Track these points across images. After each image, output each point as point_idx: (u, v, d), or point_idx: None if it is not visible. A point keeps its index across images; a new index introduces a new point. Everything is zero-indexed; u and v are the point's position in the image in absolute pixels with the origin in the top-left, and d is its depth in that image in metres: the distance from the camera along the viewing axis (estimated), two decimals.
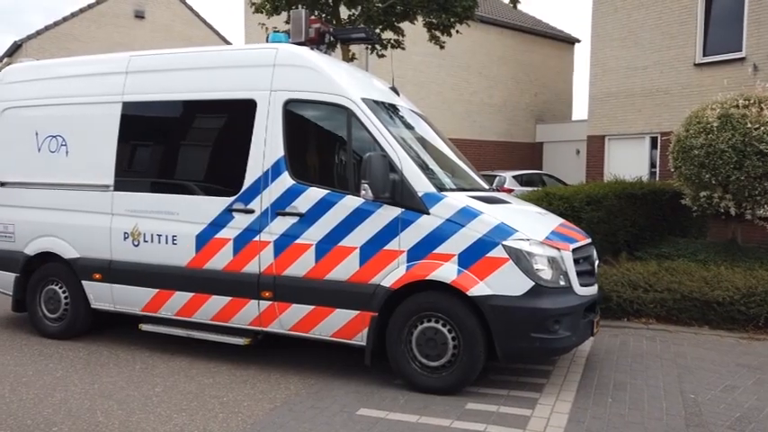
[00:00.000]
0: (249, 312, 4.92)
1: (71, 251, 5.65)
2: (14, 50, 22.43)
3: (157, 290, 5.24)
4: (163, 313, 5.29)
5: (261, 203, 4.82)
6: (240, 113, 5.01)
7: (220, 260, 4.97)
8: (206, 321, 5.12)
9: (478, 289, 4.20)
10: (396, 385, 4.58)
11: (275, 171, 4.80)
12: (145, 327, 5.45)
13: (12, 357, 5.26)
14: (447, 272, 4.29)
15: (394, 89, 5.67)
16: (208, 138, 5.57)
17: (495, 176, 14.89)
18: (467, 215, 4.32)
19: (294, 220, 4.71)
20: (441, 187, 4.58)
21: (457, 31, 11.51)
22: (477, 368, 4.33)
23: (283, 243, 4.74)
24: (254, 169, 4.86)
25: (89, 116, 5.66)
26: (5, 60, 22.08)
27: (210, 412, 4.14)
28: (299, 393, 4.51)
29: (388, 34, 11.18)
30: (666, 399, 4.39)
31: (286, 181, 4.76)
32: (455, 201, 4.42)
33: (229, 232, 4.93)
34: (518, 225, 4.36)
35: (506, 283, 4.18)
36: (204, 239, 5.02)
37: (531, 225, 4.58)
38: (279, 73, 4.91)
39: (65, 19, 22.48)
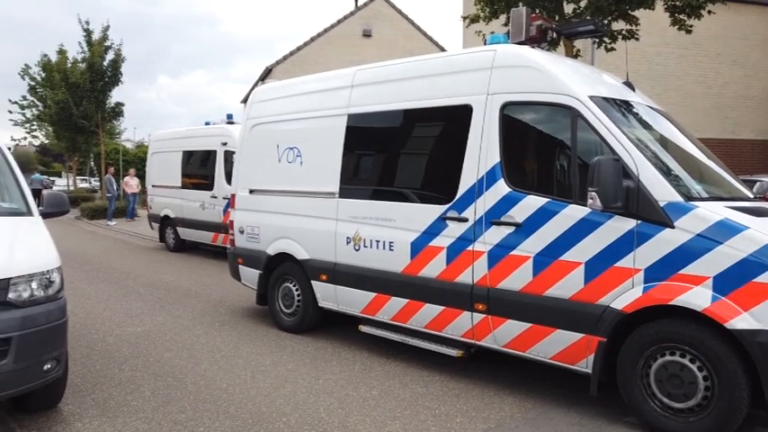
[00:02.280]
0: (462, 324, 4.77)
1: (303, 253, 6.16)
2: (266, 74, 25.99)
3: (375, 294, 5.40)
4: (380, 317, 5.44)
5: (475, 212, 4.64)
6: (456, 119, 4.89)
7: (434, 268, 4.91)
8: (419, 329, 5.12)
9: (742, 321, 3.41)
10: (627, 423, 3.99)
11: (490, 178, 4.57)
12: (364, 328, 5.67)
13: (254, 347, 5.90)
14: (697, 298, 3.58)
15: (628, 84, 5.02)
16: (423, 145, 5.57)
17: (756, 182, 12.48)
18: (726, 230, 3.56)
19: (510, 230, 4.42)
20: (688, 195, 3.86)
21: (709, 12, 9.95)
22: (737, 417, 3.52)
23: (498, 254, 4.49)
24: (469, 176, 4.70)
25: (319, 128, 6.11)
26: (259, 84, 25.64)
27: (423, 424, 4.07)
28: (513, 417, 4.20)
29: (617, 25, 10.16)
30: None
31: (502, 188, 4.50)
32: (709, 212, 3.67)
33: (443, 241, 4.84)
34: None
35: None
36: (419, 247, 5.02)
37: None
38: (496, 75, 4.67)
39: (305, 44, 25.39)
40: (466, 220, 4.68)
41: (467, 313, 4.71)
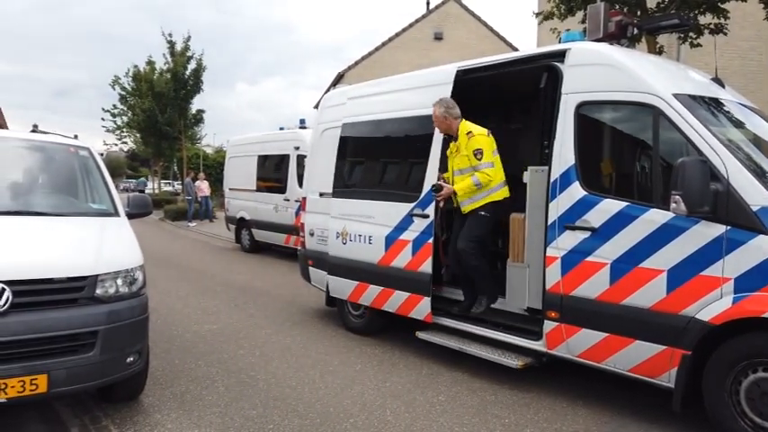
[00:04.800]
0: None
1: None
2: (338, 80, 26.43)
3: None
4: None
5: (548, 215, 4.48)
6: None
7: None
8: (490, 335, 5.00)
9: None
10: None
11: (564, 181, 4.39)
12: (421, 335, 5.61)
13: (323, 347, 5.98)
14: None
15: (718, 80, 4.69)
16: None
17: None
18: None
19: (585, 234, 4.23)
20: None
21: None
22: None
23: (572, 260, 4.30)
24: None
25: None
26: (331, 89, 26.12)
27: None
28: (588, 430, 4.01)
29: (704, 19, 9.55)
30: None
31: (576, 192, 4.31)
32: None
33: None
34: None
35: None
36: None
37: None
38: (570, 74, 4.50)
39: (376, 49, 25.60)
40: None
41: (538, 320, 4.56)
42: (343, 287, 6.38)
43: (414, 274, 5.47)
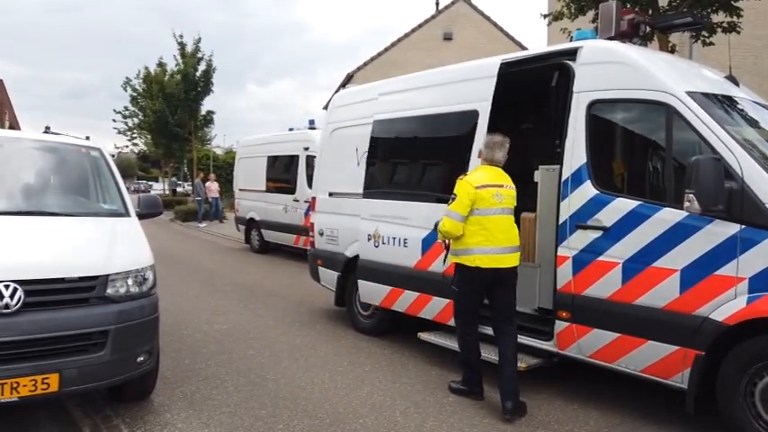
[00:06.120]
0: None
1: None
2: (347, 81, 26.45)
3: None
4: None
5: (559, 215, 4.44)
6: None
7: None
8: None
9: None
10: None
11: (576, 180, 4.35)
12: (423, 336, 5.58)
13: (332, 347, 5.97)
14: None
15: (731, 78, 4.63)
16: None
17: None
18: None
19: (597, 234, 4.19)
20: None
21: None
22: None
23: (584, 259, 4.26)
24: None
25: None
26: (340, 90, 26.17)
27: None
28: None
29: (716, 17, 9.45)
30: None
31: (588, 191, 4.27)
32: None
33: None
34: None
35: None
36: None
37: None
38: (582, 72, 4.46)
39: (386, 49, 25.58)
40: None
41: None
42: (374, 292, 6.06)
43: None
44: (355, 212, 6.48)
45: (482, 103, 5.05)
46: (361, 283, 6.27)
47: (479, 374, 4.56)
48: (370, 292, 6.15)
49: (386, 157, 6.32)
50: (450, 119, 5.46)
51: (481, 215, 4.27)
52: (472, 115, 5.14)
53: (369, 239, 6.06)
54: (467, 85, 5.34)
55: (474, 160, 4.97)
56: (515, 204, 4.46)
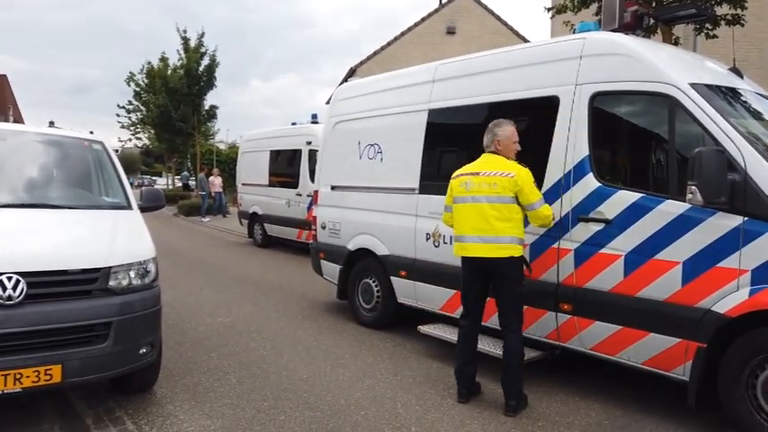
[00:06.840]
0: (546, 324, 4.58)
1: (382, 248, 6.17)
2: (350, 75, 26.37)
3: (455, 291, 5.29)
4: (458, 314, 5.31)
5: (561, 207, 4.43)
6: (541, 112, 4.70)
7: None
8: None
9: None
10: None
11: (578, 172, 4.34)
12: (423, 329, 5.58)
13: (334, 340, 5.98)
14: None
15: (735, 70, 4.60)
16: None
17: None
18: None
19: (599, 226, 4.19)
20: None
21: None
22: None
23: (586, 252, 4.26)
24: (554, 170, 4.49)
25: (400, 125, 6.08)
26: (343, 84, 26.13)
27: (503, 426, 3.95)
28: (600, 424, 3.98)
29: (720, 9, 9.38)
30: None
31: (590, 183, 4.26)
32: None
33: (526, 238, 4.65)
34: None
35: None
36: None
37: None
38: (586, 64, 4.43)
39: (388, 43, 25.50)
40: None
41: (551, 313, 4.52)
42: (433, 296, 5.60)
43: (531, 283, 4.46)
44: (359, 206, 6.49)
45: (563, 88, 4.55)
46: (417, 285, 5.82)
47: (469, 377, 4.46)
48: (427, 295, 5.72)
49: (446, 149, 5.82)
50: (525, 106, 4.92)
51: (455, 204, 4.44)
52: (551, 102, 4.63)
53: (428, 239, 5.63)
54: (546, 68, 4.78)
55: (557, 153, 4.50)
56: (506, 193, 4.10)
